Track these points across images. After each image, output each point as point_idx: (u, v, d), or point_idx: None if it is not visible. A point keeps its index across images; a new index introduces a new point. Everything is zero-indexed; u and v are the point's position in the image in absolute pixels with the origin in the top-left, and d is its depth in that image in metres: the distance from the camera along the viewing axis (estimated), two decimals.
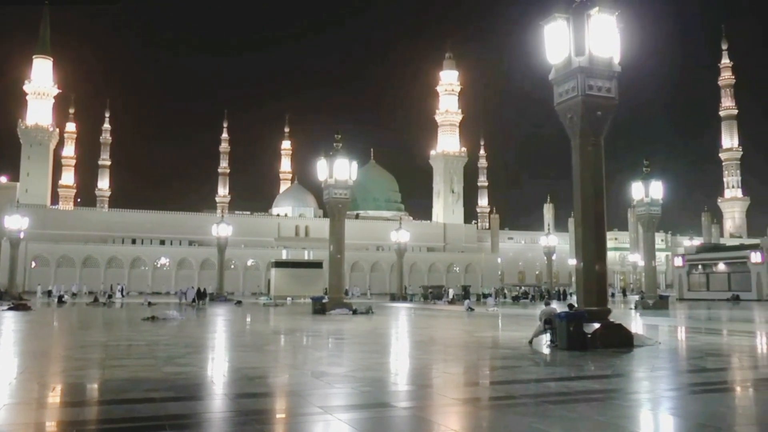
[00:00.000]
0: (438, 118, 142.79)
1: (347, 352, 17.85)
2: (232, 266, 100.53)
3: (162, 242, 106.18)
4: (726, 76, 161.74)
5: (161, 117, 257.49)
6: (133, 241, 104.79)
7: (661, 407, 9.54)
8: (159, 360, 14.37)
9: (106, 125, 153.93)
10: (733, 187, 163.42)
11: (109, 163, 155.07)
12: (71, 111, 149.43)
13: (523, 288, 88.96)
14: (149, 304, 46.59)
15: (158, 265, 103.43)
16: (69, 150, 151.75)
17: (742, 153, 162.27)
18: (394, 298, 68.13)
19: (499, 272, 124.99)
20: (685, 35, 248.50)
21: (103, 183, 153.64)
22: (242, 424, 8.03)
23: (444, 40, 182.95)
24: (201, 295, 53.63)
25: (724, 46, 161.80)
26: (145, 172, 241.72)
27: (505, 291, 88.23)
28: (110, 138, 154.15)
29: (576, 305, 18.26)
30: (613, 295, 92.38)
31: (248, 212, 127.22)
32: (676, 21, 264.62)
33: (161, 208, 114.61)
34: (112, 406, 9.25)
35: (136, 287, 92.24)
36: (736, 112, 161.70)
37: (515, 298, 67.91)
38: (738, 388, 11.71)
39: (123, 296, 52.71)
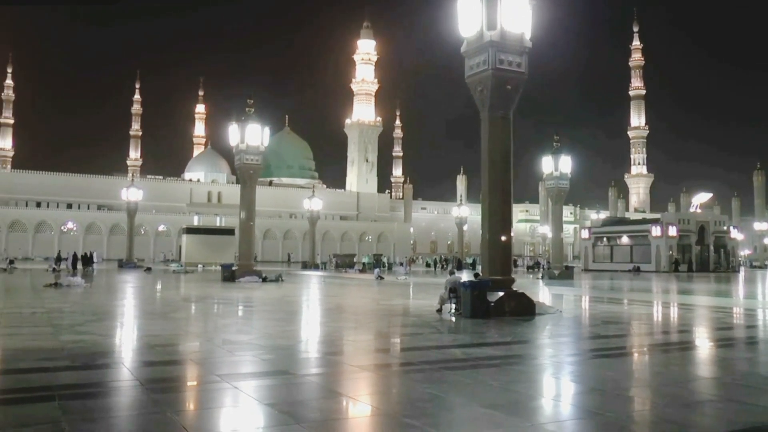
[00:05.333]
0: (354, 87, 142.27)
1: (253, 320, 17.82)
2: (143, 232, 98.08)
3: (69, 206, 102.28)
4: (636, 58, 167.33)
5: (71, 76, 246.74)
6: (38, 205, 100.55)
7: (555, 372, 9.92)
8: (57, 328, 13.91)
9: (9, 81, 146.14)
10: (639, 164, 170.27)
11: (12, 121, 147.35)
12: None
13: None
14: (54, 270, 45.00)
15: (65, 230, 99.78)
16: None
17: (648, 132, 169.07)
18: (306, 266, 68.09)
19: (412, 241, 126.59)
20: (599, 15, 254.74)
21: (6, 142, 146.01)
22: (137, 394, 7.89)
23: (362, 9, 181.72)
24: (85, 260, 49.32)
25: (635, 29, 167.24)
26: (52, 132, 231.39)
27: (417, 259, 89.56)
28: (13, 95, 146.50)
29: (481, 274, 18.69)
30: (529, 266, 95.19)
31: (160, 177, 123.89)
32: (590, 1, 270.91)
33: (69, 171, 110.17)
34: None
35: (42, 252, 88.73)
36: (644, 92, 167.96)
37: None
38: (630, 355, 12.27)
39: None
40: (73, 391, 7.83)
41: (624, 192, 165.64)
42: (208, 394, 8.09)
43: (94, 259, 54.41)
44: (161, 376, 9.15)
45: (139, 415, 6.90)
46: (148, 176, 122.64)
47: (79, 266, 45.24)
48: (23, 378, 8.70)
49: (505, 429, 6.42)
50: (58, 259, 51.33)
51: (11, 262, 52.33)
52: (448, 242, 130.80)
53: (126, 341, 13.17)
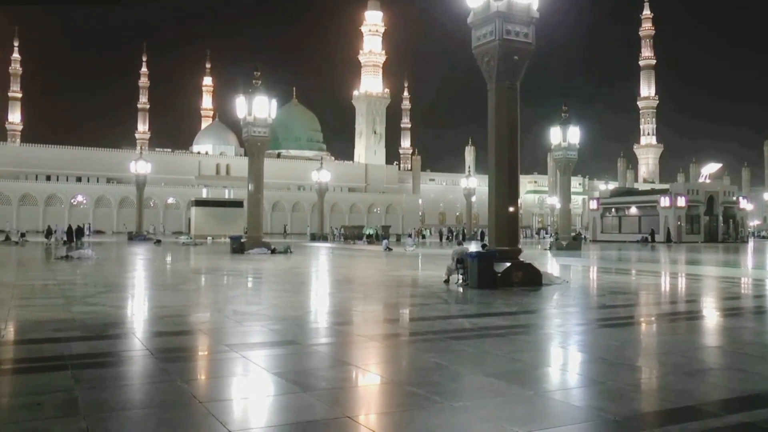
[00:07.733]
0: (361, 58, 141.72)
1: (262, 291, 18.00)
2: (152, 204, 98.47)
3: (78, 179, 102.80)
4: (647, 27, 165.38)
5: (79, 50, 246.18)
6: (48, 178, 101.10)
7: (561, 342, 10.00)
8: (69, 299, 14.11)
9: (16, 55, 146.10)
10: (648, 134, 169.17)
11: (20, 95, 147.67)
12: None
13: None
14: (64, 242, 45.43)
15: (75, 203, 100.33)
16: None
17: (658, 102, 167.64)
18: (314, 237, 68.32)
19: (420, 213, 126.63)
20: None
21: (14, 116, 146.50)
22: (148, 363, 8.04)
23: None
24: (75, 233, 47.39)
25: None
26: (60, 106, 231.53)
27: (423, 231, 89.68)
28: (20, 69, 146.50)
29: (488, 245, 18.77)
30: (537, 233, 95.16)
31: (169, 149, 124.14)
32: None
33: (78, 144, 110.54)
34: (10, 347, 9.11)
35: (52, 225, 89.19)
36: (654, 62, 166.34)
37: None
38: (636, 324, 12.31)
39: None
40: (85, 361, 7.98)
41: (633, 163, 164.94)
42: (218, 364, 8.24)
43: (86, 232, 54.37)
44: (171, 346, 9.30)
45: (150, 384, 7.04)
46: (157, 149, 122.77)
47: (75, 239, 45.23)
48: (36, 348, 8.88)
49: (507, 397, 6.52)
50: (49, 233, 51.46)
51: (23, 235, 52.81)
52: (457, 213, 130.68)
53: (137, 312, 13.35)
